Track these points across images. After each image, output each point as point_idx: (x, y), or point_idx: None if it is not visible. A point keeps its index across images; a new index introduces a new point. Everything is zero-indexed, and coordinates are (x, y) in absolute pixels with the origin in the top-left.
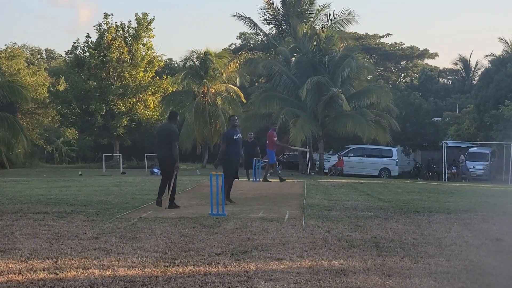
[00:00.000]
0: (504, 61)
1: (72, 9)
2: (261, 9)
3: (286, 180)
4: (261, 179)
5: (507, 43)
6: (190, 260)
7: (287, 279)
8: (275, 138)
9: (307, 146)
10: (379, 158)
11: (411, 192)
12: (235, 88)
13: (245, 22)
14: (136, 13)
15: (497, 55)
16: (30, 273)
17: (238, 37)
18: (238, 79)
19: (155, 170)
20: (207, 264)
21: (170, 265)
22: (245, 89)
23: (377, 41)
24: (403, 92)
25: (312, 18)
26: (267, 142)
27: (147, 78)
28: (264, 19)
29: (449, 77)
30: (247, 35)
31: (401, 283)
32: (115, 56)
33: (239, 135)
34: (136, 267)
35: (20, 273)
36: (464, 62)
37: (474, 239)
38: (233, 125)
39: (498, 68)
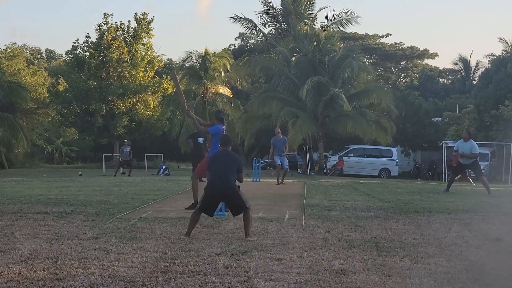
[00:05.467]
0: (504, 61)
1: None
2: (259, 13)
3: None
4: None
5: (507, 43)
6: (190, 260)
7: (287, 279)
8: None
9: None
10: (379, 158)
11: (411, 193)
12: (227, 89)
13: (243, 24)
14: (136, 13)
15: (497, 55)
16: (30, 273)
17: (237, 38)
18: (239, 80)
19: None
20: (207, 264)
21: (170, 265)
22: (245, 91)
23: (377, 41)
24: (403, 92)
25: (311, 18)
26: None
27: (147, 78)
28: (263, 22)
29: (449, 77)
30: (246, 35)
31: (401, 283)
32: (115, 56)
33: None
34: (136, 267)
35: (20, 273)
36: (464, 62)
37: (474, 239)
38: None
39: (498, 68)
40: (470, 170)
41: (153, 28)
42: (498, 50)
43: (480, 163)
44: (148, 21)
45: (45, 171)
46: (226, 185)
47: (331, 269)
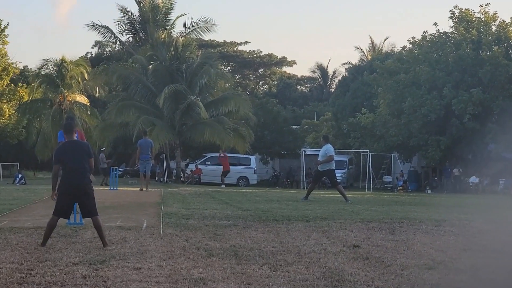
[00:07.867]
0: (360, 69)
1: None
2: (117, 20)
3: (144, 189)
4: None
5: (363, 52)
6: (47, 271)
7: None
8: None
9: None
10: (237, 166)
11: (270, 201)
12: (85, 98)
13: (100, 31)
14: None
15: (353, 64)
16: None
17: (94, 46)
18: (97, 89)
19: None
20: (65, 274)
21: (26, 276)
22: (102, 99)
23: (235, 49)
24: (261, 100)
25: (169, 26)
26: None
27: (1, 86)
28: (121, 30)
29: (307, 85)
30: (103, 42)
31: None
32: None
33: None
34: None
35: None
36: (322, 70)
37: (332, 246)
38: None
39: (355, 76)
40: (326, 179)
41: (8, 34)
42: (354, 58)
43: (337, 170)
44: (2, 28)
45: None
46: (83, 179)
47: (190, 278)
